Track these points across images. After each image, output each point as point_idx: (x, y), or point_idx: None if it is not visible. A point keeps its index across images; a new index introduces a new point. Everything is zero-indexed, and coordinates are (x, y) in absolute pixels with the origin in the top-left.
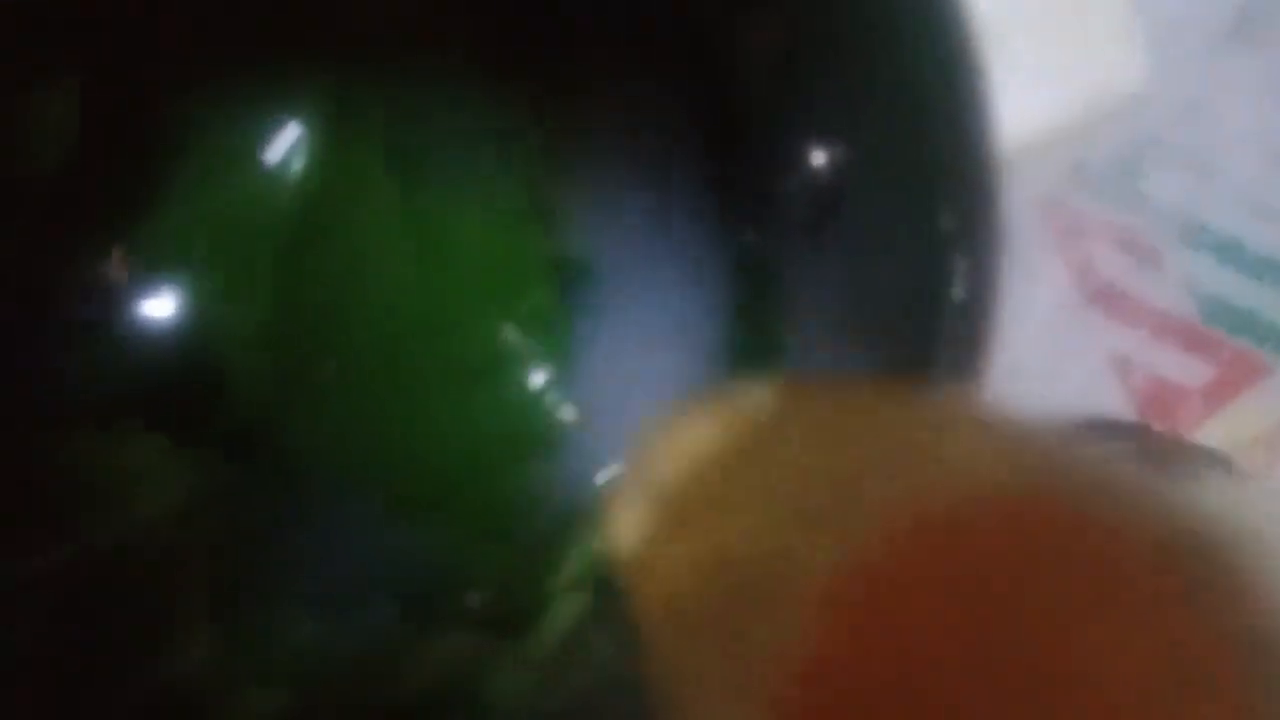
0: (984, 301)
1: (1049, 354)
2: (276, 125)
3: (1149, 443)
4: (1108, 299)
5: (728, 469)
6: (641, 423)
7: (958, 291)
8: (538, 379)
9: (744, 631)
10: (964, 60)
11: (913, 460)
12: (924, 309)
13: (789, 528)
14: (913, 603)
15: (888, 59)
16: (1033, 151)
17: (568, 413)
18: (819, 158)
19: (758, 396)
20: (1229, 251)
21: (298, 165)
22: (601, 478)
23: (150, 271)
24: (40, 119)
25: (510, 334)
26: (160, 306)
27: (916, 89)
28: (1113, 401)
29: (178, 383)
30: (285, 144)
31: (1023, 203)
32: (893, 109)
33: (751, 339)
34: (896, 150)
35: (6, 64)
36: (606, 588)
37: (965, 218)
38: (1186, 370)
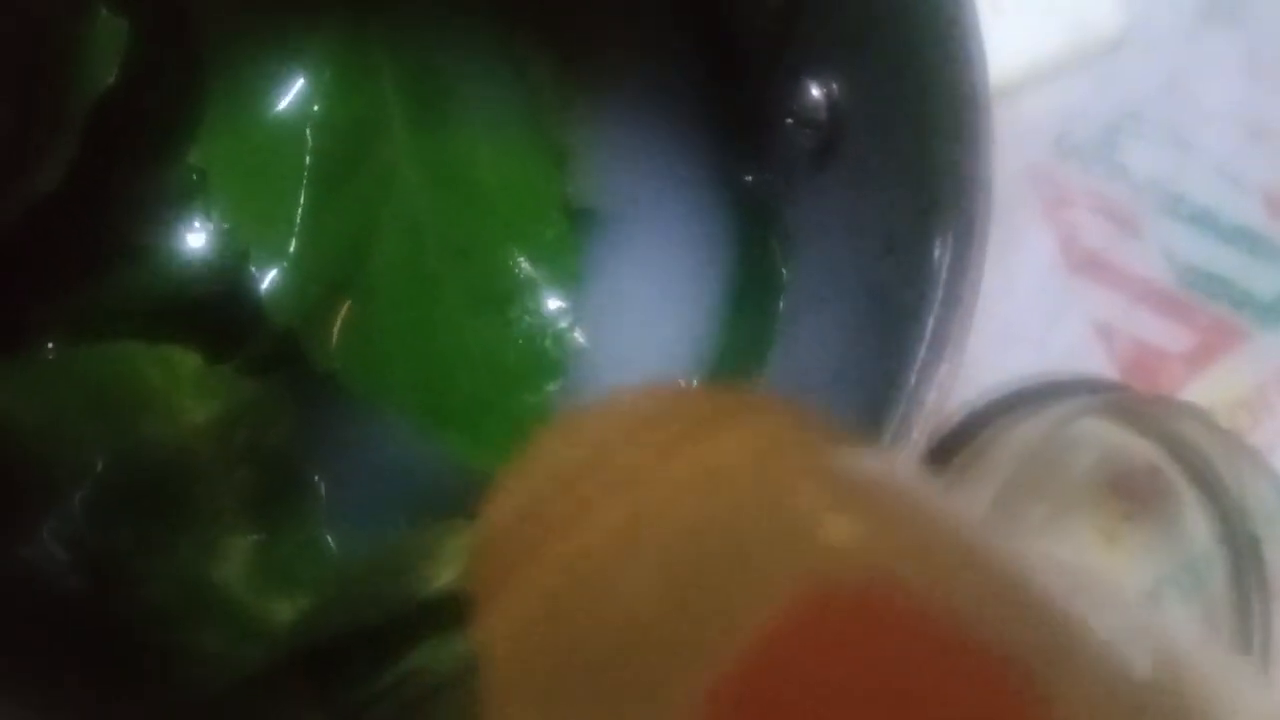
0: (974, 239)
1: (1035, 320)
2: (297, 64)
3: (1131, 397)
4: (1091, 266)
5: (605, 496)
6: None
7: (949, 224)
8: (551, 308)
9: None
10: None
11: (789, 534)
12: (919, 223)
13: (663, 598)
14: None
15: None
16: (1018, 86)
17: (579, 340)
18: (816, 98)
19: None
20: (1205, 221)
21: (319, 101)
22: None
23: (188, 200)
24: (96, 43)
25: (525, 264)
26: (197, 233)
27: (908, 27)
28: (1097, 366)
29: (212, 305)
30: (306, 82)
31: (1010, 173)
32: (886, 48)
33: (752, 274)
34: (890, 89)
35: None
36: None
37: (956, 149)
38: (1167, 336)
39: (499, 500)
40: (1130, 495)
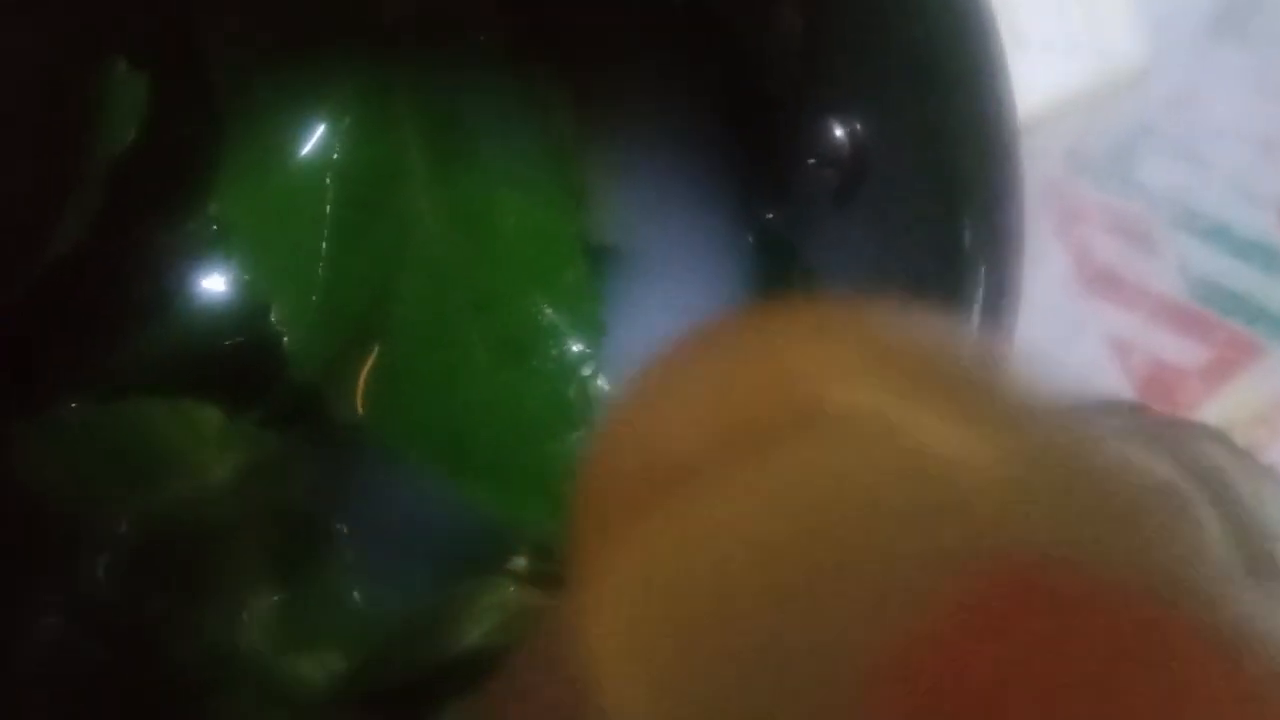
0: (1005, 276)
1: (1049, 338)
2: (316, 113)
3: (1148, 419)
4: (1106, 283)
5: (722, 466)
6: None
7: (978, 266)
8: (573, 355)
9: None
10: (979, 35)
11: (945, 504)
12: (945, 284)
13: (807, 570)
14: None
15: (905, 35)
16: (1041, 122)
17: (602, 387)
18: (839, 137)
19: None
20: (1220, 236)
21: (338, 149)
22: None
23: (208, 251)
24: (115, 100)
25: (548, 311)
26: (217, 285)
27: (934, 65)
28: (1112, 384)
29: (234, 358)
30: (325, 130)
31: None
32: (911, 86)
33: None
34: (915, 128)
35: (83, 46)
36: None
37: (984, 190)
38: (1183, 352)
39: (605, 445)
40: None
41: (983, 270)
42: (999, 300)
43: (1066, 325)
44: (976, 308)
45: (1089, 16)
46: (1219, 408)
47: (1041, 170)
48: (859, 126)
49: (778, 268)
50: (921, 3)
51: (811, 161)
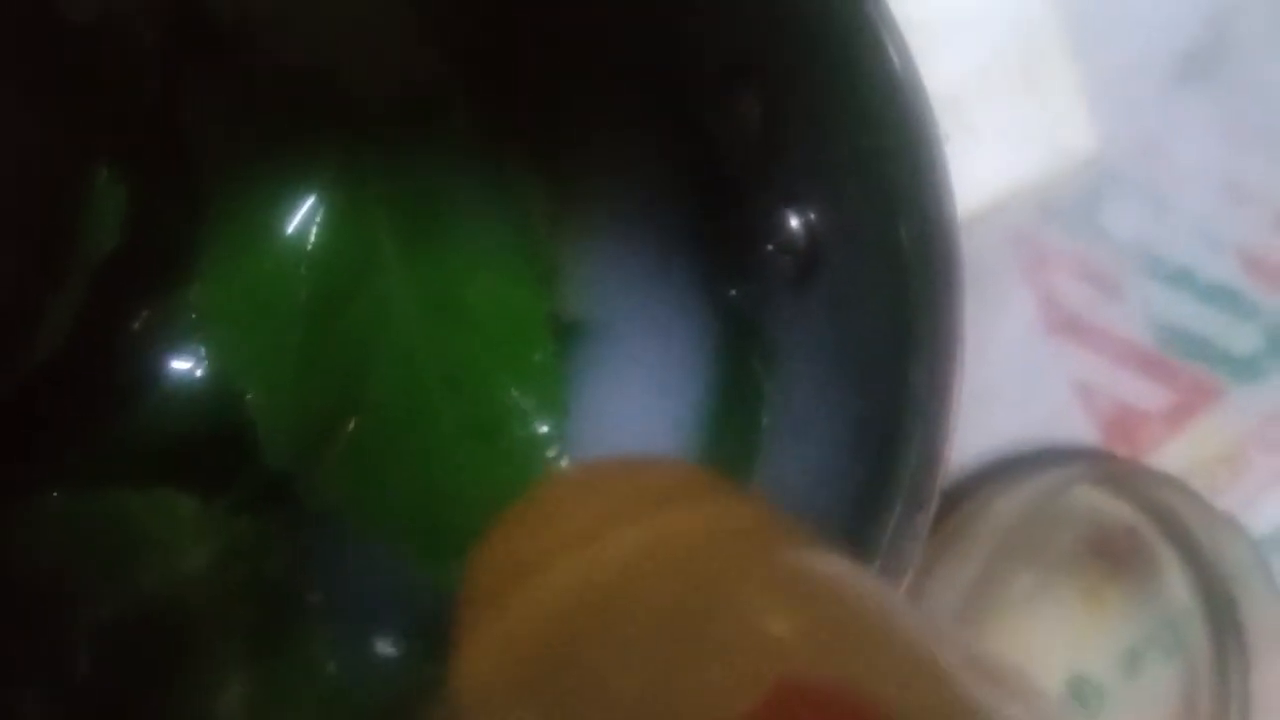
0: (951, 347)
1: (1016, 381)
2: (291, 201)
3: (1111, 465)
4: (1071, 328)
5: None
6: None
7: (926, 339)
8: (539, 437)
9: None
10: (925, 131)
11: (741, 627)
12: (896, 358)
13: (616, 671)
14: None
15: (857, 132)
16: (992, 209)
17: (567, 465)
18: (795, 226)
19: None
20: (1184, 281)
21: (313, 236)
22: None
23: (183, 339)
24: (98, 209)
25: (514, 393)
26: (193, 373)
27: (883, 158)
28: (1077, 426)
29: (208, 444)
30: (300, 218)
31: (989, 236)
32: (862, 177)
33: (736, 389)
34: (867, 214)
35: (67, 161)
36: None
37: (928, 280)
38: (1146, 395)
39: (485, 550)
40: (1109, 555)
41: (925, 350)
42: (943, 375)
43: (1033, 368)
44: (922, 379)
45: (1040, 106)
46: (1180, 449)
47: (1009, 217)
48: (813, 217)
49: (740, 344)
50: (872, 105)
51: (770, 247)
